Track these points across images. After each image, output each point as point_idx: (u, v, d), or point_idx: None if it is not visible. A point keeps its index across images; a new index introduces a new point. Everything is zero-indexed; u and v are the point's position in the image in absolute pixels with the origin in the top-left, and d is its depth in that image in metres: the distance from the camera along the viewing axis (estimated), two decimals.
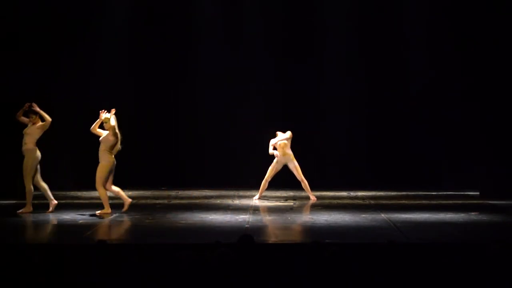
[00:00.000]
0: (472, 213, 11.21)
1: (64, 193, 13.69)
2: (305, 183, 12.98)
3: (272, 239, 9.27)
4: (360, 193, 13.99)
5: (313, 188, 13.12)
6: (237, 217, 10.77)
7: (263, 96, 15.33)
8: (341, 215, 11.06)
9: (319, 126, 15.29)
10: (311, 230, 9.78)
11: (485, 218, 10.77)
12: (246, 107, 15.35)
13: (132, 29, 15.32)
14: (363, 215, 11.00)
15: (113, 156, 10.98)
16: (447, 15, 14.79)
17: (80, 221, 10.48)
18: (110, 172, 10.99)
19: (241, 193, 13.96)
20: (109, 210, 11.00)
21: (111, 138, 10.94)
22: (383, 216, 10.89)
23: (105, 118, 10.99)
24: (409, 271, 6.18)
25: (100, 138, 11.05)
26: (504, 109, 13.38)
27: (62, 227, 10.17)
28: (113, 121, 10.96)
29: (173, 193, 14.14)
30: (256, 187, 13.21)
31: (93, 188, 11.59)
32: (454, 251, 7.79)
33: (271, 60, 15.33)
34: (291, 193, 13.93)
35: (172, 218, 10.79)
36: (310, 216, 11.12)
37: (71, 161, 14.76)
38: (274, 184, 13.54)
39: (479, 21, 13.73)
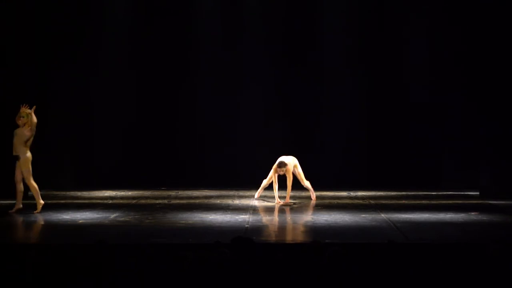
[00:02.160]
0: (472, 213, 11.20)
1: (64, 193, 13.70)
2: (307, 185, 12.86)
3: (272, 239, 9.27)
4: (360, 193, 13.98)
5: (313, 188, 13.10)
6: (237, 217, 10.77)
7: (263, 96, 15.31)
8: (341, 215, 11.06)
9: (319, 126, 15.27)
10: (311, 230, 9.78)
11: (485, 218, 10.76)
12: (246, 107, 15.33)
13: (132, 29, 15.29)
14: (363, 215, 11.00)
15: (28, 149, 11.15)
16: (447, 14, 14.78)
17: (80, 221, 10.49)
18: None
19: (241, 193, 13.95)
20: (31, 205, 11.20)
21: (27, 134, 11.07)
22: (383, 216, 10.88)
23: (23, 112, 11.10)
24: (409, 271, 6.17)
25: (16, 130, 11.16)
26: (504, 109, 13.36)
27: (62, 227, 10.17)
28: (34, 118, 11.07)
29: (173, 193, 14.12)
30: (256, 187, 13.19)
31: (93, 188, 11.67)
32: (454, 251, 7.80)
33: (271, 60, 15.30)
34: (291, 193, 13.90)
35: (172, 218, 10.79)
36: (310, 216, 11.11)
37: (71, 161, 14.75)
38: None
39: (479, 21, 13.72)
